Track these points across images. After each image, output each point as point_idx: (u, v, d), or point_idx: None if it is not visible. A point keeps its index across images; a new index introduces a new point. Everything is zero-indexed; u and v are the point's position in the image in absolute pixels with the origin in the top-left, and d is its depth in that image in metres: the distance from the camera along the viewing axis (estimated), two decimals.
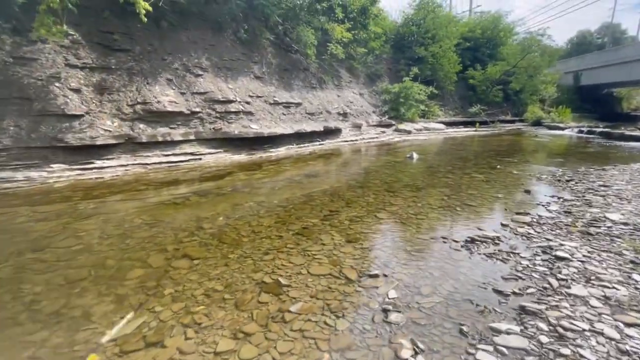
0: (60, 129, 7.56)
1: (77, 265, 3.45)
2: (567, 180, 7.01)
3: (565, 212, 4.88)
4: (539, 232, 4.09)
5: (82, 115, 7.89)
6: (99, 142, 7.74)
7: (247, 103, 11.03)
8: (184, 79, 9.90)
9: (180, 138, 9.15)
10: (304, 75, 14.51)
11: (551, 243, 3.70)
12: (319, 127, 13.04)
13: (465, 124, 22.29)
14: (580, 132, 20.13)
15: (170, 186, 6.76)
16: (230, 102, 10.41)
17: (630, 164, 8.87)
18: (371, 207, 5.26)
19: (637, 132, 16.85)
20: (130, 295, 2.88)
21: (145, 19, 7.66)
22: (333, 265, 3.29)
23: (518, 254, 3.49)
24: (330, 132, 13.86)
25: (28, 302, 2.79)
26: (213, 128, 9.79)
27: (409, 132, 18.03)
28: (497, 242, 3.81)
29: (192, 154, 9.25)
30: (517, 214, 4.86)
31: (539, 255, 3.44)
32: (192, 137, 9.43)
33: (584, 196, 5.70)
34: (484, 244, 3.75)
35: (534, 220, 4.54)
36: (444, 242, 3.83)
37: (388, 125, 18.12)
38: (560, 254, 3.39)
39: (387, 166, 9.10)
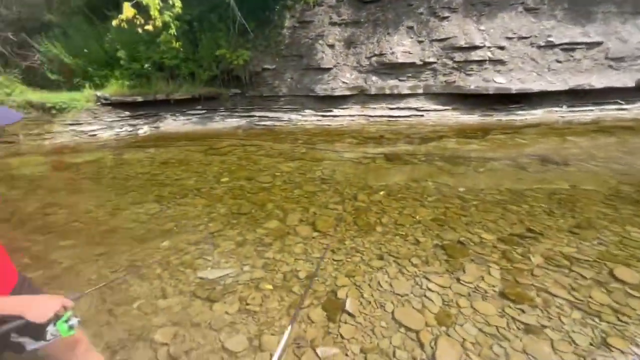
0: (314, 80, 9.12)
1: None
2: None
3: None
4: None
5: (330, 69, 9.07)
6: (336, 94, 8.74)
7: (501, 48, 8.43)
8: (426, 24, 8.83)
9: (407, 91, 8.63)
10: None
11: None
12: (624, 80, 8.11)
13: None
14: None
15: (371, 143, 6.71)
16: (475, 48, 8.34)
17: None
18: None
19: None
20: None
21: None
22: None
23: None
24: None
25: None
26: (445, 81, 8.44)
27: None
28: None
29: (416, 109, 8.59)
30: None
31: None
32: (419, 91, 8.64)
33: None
34: None
35: None
36: None
37: None
38: None
39: None
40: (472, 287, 2.42)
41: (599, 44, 8.63)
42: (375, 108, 8.78)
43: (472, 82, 8.19)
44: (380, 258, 2.86)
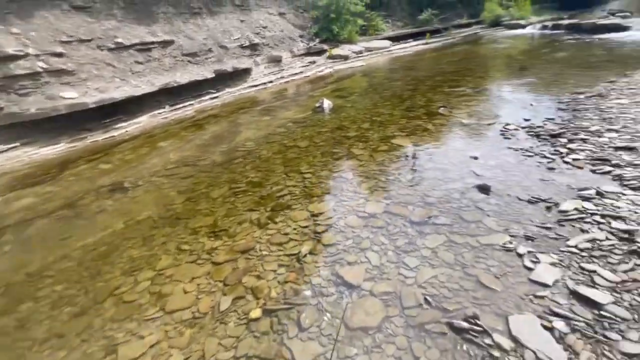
0: None
1: None
2: (553, 135, 3.81)
3: (570, 292, 1.77)
4: None
5: None
6: None
7: (58, 55, 6.53)
8: None
9: None
10: None
11: None
12: (205, 73, 8.76)
13: (415, 36, 17.84)
14: (544, 28, 16.40)
15: None
16: (14, 58, 5.93)
17: (631, 71, 5.71)
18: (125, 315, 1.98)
19: (611, 20, 13.36)
20: None
21: None
22: None
23: None
24: (230, 77, 9.60)
25: None
26: None
27: (345, 58, 13.72)
28: None
29: None
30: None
31: None
32: None
33: (602, 199, 2.57)
34: None
35: None
36: None
37: (319, 52, 13.68)
38: None
39: (275, 135, 5.52)
40: None
41: (171, 42, 8.73)
42: None
43: (32, 104, 5.88)
44: None
